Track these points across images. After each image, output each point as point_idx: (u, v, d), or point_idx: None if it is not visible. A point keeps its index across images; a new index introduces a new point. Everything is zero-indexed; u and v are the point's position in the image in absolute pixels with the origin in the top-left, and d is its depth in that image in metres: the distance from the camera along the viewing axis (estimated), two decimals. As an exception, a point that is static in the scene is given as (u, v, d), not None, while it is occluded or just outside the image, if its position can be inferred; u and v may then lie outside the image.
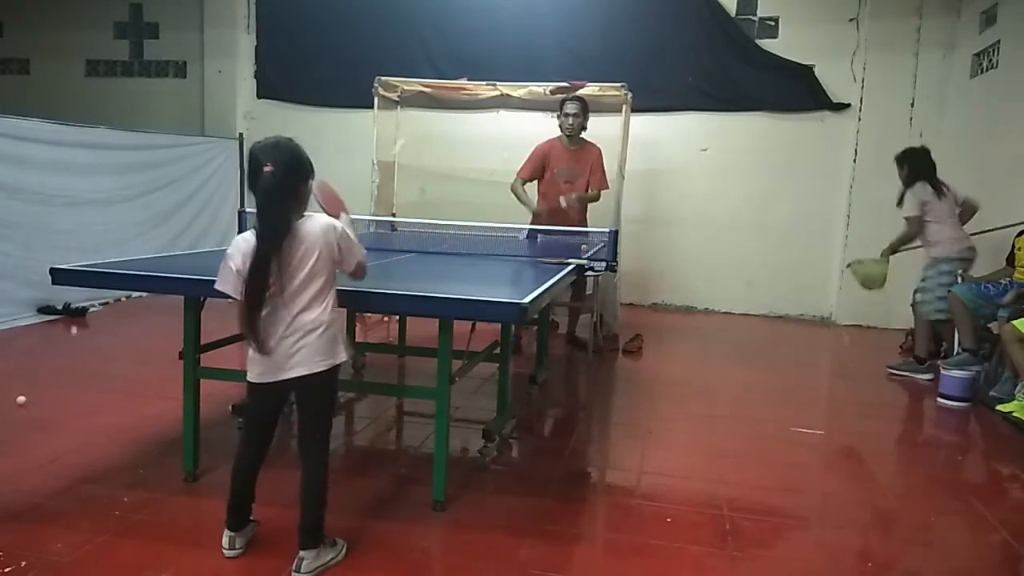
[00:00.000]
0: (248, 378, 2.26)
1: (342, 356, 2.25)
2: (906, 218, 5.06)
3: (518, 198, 5.45)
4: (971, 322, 4.82)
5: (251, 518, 2.43)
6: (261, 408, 2.33)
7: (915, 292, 5.29)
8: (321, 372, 2.21)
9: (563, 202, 5.23)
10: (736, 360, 5.55)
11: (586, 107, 5.39)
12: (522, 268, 3.82)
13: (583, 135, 5.47)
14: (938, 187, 5.00)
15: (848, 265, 5.70)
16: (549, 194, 5.46)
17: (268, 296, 2.14)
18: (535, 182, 5.54)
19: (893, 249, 5.23)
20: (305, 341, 2.17)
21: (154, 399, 3.78)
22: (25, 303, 5.54)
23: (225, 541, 2.32)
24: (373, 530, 2.53)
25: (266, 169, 2.09)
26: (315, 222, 2.19)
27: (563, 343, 5.73)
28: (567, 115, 5.34)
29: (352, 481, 2.97)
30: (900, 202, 5.12)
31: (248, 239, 2.15)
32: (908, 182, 5.07)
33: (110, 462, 3.02)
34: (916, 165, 5.07)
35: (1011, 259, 4.86)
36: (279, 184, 2.10)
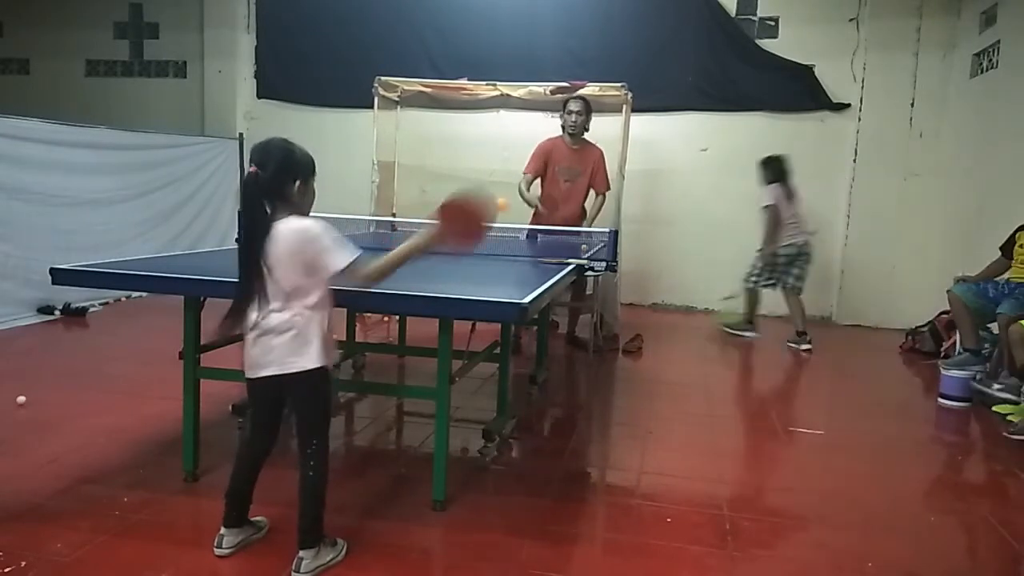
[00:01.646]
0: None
1: (315, 361, 2.18)
2: (765, 207, 5.88)
3: (524, 198, 5.46)
4: (972, 322, 4.82)
5: (256, 518, 2.44)
6: (253, 404, 2.37)
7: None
8: (295, 373, 2.19)
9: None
10: (736, 360, 5.54)
11: (589, 107, 5.40)
12: (522, 268, 3.82)
13: (585, 136, 5.47)
14: (789, 192, 5.90)
15: (725, 299, 6.37)
16: (551, 193, 5.47)
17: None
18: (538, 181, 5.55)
19: (770, 243, 5.91)
20: (276, 341, 2.17)
21: (154, 399, 3.78)
22: (25, 303, 5.54)
23: (216, 539, 2.33)
24: (373, 530, 2.53)
25: (250, 170, 2.13)
26: (289, 224, 2.15)
27: (563, 343, 5.73)
28: (570, 112, 5.35)
29: (352, 481, 2.97)
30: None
31: None
32: (767, 183, 5.92)
33: (110, 462, 3.02)
34: (775, 170, 5.92)
35: (1007, 250, 4.83)
36: (262, 185, 2.14)
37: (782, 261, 5.92)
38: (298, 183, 2.20)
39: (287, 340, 2.17)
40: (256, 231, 2.14)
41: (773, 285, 6.03)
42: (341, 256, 2.14)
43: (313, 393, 2.26)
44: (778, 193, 5.88)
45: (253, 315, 2.19)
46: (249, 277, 2.16)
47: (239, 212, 3.44)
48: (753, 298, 6.18)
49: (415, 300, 2.51)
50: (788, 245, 5.88)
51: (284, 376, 2.19)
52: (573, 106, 5.36)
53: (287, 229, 2.14)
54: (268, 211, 2.17)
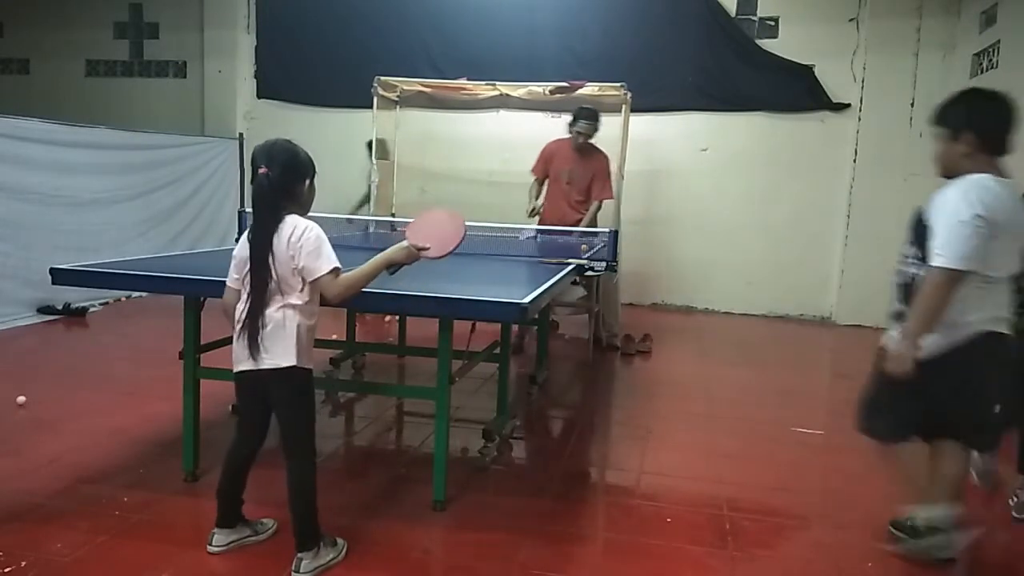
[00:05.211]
0: None
1: (291, 359, 2.18)
2: None
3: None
4: None
5: (263, 520, 2.46)
6: (240, 399, 2.39)
7: None
8: (270, 370, 2.19)
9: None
10: (736, 360, 5.54)
11: (599, 118, 5.33)
12: (522, 268, 3.82)
13: (592, 141, 5.43)
14: None
15: None
16: (552, 197, 5.46)
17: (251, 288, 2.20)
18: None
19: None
20: (258, 336, 2.20)
21: (154, 399, 3.78)
22: (25, 303, 5.54)
23: (209, 536, 2.34)
24: (373, 530, 2.53)
25: (260, 171, 2.18)
26: (288, 222, 2.18)
27: (564, 343, 5.72)
28: (580, 133, 5.27)
29: (352, 481, 2.97)
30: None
31: (245, 235, 2.24)
32: None
33: (110, 462, 3.02)
34: None
35: None
36: (272, 185, 2.17)
37: None
38: (307, 182, 2.26)
39: (267, 335, 2.18)
40: (267, 230, 2.17)
41: None
42: (326, 262, 2.17)
43: (290, 393, 2.25)
44: None
45: (241, 309, 2.22)
46: (260, 274, 2.18)
47: (240, 212, 3.46)
48: None
49: (415, 300, 2.51)
50: None
51: (262, 372, 2.20)
52: (584, 128, 5.24)
53: (286, 227, 2.18)
54: (277, 210, 2.19)
